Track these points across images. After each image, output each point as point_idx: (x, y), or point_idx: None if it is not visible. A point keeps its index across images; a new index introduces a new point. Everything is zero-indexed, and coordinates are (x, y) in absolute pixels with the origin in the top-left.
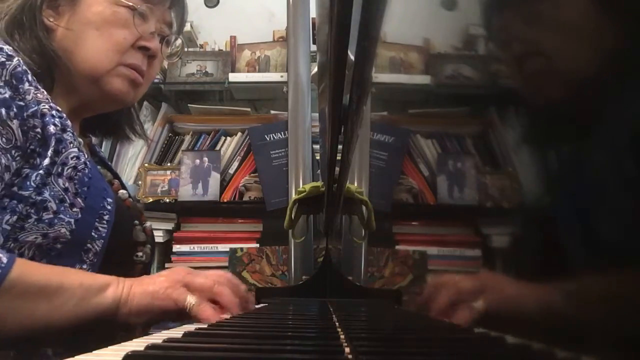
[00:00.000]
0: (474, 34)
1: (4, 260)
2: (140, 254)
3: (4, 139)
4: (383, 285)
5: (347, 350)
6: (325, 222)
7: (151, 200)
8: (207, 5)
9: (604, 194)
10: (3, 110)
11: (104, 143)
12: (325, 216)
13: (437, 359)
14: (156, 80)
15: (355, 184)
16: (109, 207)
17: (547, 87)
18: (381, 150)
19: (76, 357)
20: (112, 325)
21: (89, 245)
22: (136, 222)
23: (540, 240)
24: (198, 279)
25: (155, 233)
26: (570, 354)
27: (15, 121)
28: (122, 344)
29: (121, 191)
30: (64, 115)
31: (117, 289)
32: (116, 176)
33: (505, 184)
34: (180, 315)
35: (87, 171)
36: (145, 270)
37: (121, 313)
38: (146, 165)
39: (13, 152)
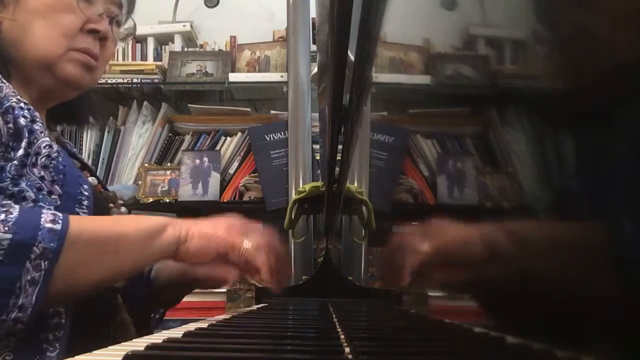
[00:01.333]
0: (474, 34)
1: (59, 214)
2: None
3: None
4: (383, 285)
5: (347, 350)
6: (325, 222)
7: (151, 200)
8: (207, 5)
9: (605, 194)
10: None
11: (103, 143)
12: (325, 216)
13: (437, 359)
14: (156, 80)
15: (355, 184)
16: (86, 193)
17: (556, 84)
18: (381, 150)
19: (76, 357)
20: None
21: None
22: (111, 205)
23: (541, 241)
24: (254, 236)
25: None
26: (570, 354)
27: None
28: (122, 344)
29: (91, 178)
30: (31, 107)
31: (175, 230)
32: (85, 166)
33: (505, 184)
34: (233, 261)
35: (60, 159)
36: None
37: (180, 252)
38: (146, 165)
39: (1, 148)
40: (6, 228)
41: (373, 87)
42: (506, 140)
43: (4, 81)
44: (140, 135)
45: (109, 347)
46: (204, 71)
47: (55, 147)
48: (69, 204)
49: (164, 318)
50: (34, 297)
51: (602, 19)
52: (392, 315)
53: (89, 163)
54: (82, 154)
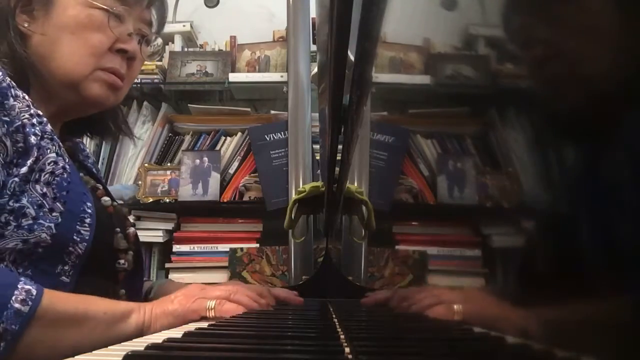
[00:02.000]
0: (474, 34)
1: (34, 292)
2: (122, 261)
3: (1, 156)
4: (383, 285)
5: (347, 350)
6: (325, 222)
7: (151, 200)
8: (207, 5)
9: (606, 195)
10: None
11: (103, 143)
12: (325, 216)
13: (437, 359)
14: (156, 80)
15: (355, 184)
16: (89, 211)
17: (558, 88)
18: (381, 150)
19: (76, 357)
20: None
21: (70, 248)
22: (117, 229)
23: (541, 242)
24: (214, 292)
25: (155, 233)
26: (570, 354)
27: (7, 138)
28: (122, 343)
29: (104, 198)
30: (44, 119)
31: (139, 315)
32: (99, 182)
33: (505, 184)
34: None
35: (65, 175)
36: (131, 276)
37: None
38: (146, 165)
39: (7, 168)
40: None
41: (373, 87)
42: (506, 140)
43: (19, 94)
44: (140, 135)
45: (109, 347)
46: (204, 71)
47: (61, 163)
48: (70, 221)
49: None
50: None
51: (603, 18)
52: (392, 315)
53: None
54: None
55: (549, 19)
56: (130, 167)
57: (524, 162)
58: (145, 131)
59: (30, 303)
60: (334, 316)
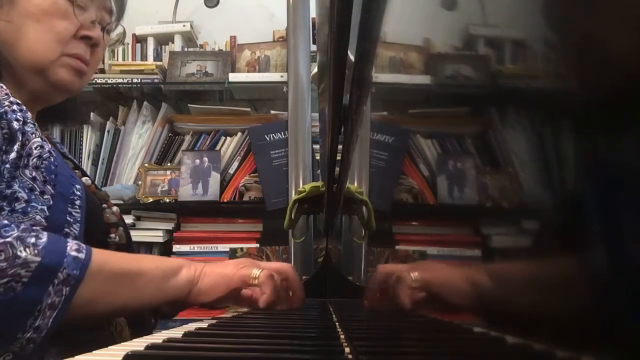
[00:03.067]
0: (474, 34)
1: (83, 250)
2: (113, 235)
3: None
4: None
5: (347, 350)
6: (325, 222)
7: (151, 200)
8: (207, 5)
9: (607, 195)
10: None
11: (103, 143)
12: (325, 216)
13: (437, 359)
14: (156, 80)
15: (355, 184)
16: (78, 193)
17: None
18: (381, 150)
19: (76, 357)
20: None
21: (66, 230)
22: (104, 205)
23: (541, 241)
24: (264, 266)
25: (155, 233)
26: (571, 354)
27: None
28: (122, 343)
29: (84, 178)
30: (24, 107)
31: (189, 270)
32: (77, 167)
33: (505, 184)
34: (244, 295)
35: (52, 159)
36: (123, 250)
37: (193, 292)
38: (146, 165)
39: None
40: (36, 251)
41: (373, 87)
42: (506, 140)
43: None
44: (140, 135)
45: (109, 347)
46: (204, 71)
47: (47, 147)
48: (62, 203)
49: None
50: (50, 321)
51: (604, 18)
52: (392, 315)
53: (89, 163)
54: (82, 154)
55: (549, 18)
56: (130, 167)
57: (524, 162)
58: (145, 131)
59: (84, 251)
60: (334, 316)
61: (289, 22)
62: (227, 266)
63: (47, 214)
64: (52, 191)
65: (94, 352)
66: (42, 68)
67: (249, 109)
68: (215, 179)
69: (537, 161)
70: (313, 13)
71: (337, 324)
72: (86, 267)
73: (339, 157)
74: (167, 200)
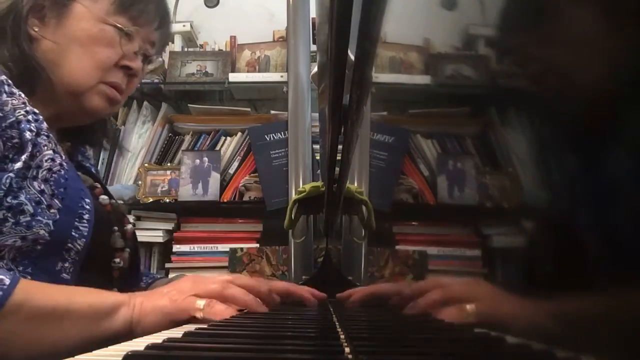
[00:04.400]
0: (474, 34)
1: (7, 281)
2: (117, 260)
3: None
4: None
5: (347, 350)
6: (325, 222)
7: (151, 200)
8: (207, 5)
9: (604, 195)
10: None
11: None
12: (325, 216)
13: (437, 359)
14: (156, 80)
15: (355, 184)
16: (87, 207)
17: (552, 90)
18: (381, 150)
19: (76, 357)
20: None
21: (69, 244)
22: (115, 227)
23: (540, 241)
24: (206, 287)
25: (155, 233)
26: (570, 354)
27: None
28: (122, 343)
29: (102, 196)
30: (40, 117)
31: (128, 310)
32: (97, 180)
33: (505, 184)
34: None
35: (62, 172)
36: (126, 274)
37: (135, 331)
38: (146, 165)
39: (2, 163)
40: None
41: (373, 87)
42: (506, 140)
43: (15, 91)
44: (140, 135)
45: (109, 347)
46: (204, 71)
47: (58, 160)
48: (69, 217)
49: None
50: None
51: (601, 20)
52: (392, 315)
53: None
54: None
55: (550, 22)
56: (130, 167)
57: (524, 162)
58: (145, 131)
59: (8, 281)
60: (333, 316)
61: (289, 22)
62: (169, 298)
63: (52, 228)
64: (60, 205)
65: (94, 352)
66: (79, 93)
67: (249, 109)
68: (215, 179)
69: (537, 161)
70: (313, 13)
71: (337, 324)
72: (6, 298)
73: (339, 157)
74: (167, 200)
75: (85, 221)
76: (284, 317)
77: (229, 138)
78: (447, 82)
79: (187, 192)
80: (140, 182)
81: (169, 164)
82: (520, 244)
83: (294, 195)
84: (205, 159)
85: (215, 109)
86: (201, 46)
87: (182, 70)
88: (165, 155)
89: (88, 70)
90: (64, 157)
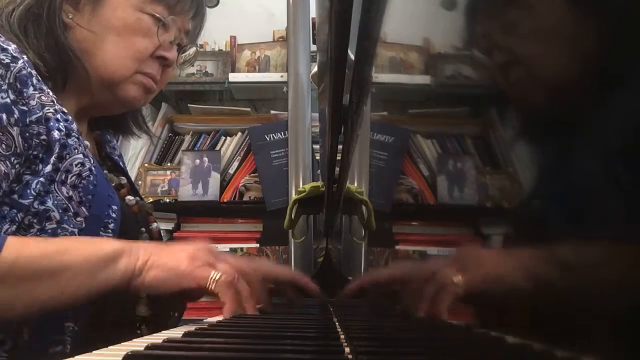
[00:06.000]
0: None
1: None
2: None
3: (3, 146)
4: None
5: (347, 350)
6: (325, 222)
7: (151, 200)
8: (207, 5)
9: (604, 194)
10: (4, 116)
11: None
12: (325, 216)
13: (437, 359)
14: None
15: (355, 184)
16: (114, 215)
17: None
18: (381, 150)
19: (76, 357)
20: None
21: None
22: (142, 229)
23: (540, 240)
24: (222, 265)
25: None
26: (570, 354)
27: (15, 127)
28: (122, 343)
29: (128, 197)
30: (70, 117)
31: (129, 260)
32: (125, 174)
33: (505, 184)
34: (199, 294)
35: (92, 178)
36: None
37: (134, 283)
38: (146, 165)
39: (12, 159)
40: None
41: (373, 87)
42: (506, 140)
43: (43, 88)
44: (140, 135)
45: (109, 347)
46: (204, 71)
47: (88, 164)
48: (94, 227)
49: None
50: None
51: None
52: (392, 315)
53: None
54: None
55: (550, 20)
56: (130, 167)
57: (524, 162)
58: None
59: None
60: (333, 316)
61: (289, 22)
62: (181, 260)
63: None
64: (86, 213)
65: (94, 352)
66: (115, 83)
67: (249, 109)
68: (215, 179)
69: (537, 161)
70: (313, 13)
71: (337, 324)
72: None
73: (339, 157)
74: (167, 200)
75: (110, 231)
76: (284, 317)
77: (229, 138)
78: (447, 82)
79: (187, 192)
80: (140, 182)
81: (169, 164)
82: (521, 244)
83: (294, 195)
84: (205, 159)
85: (215, 109)
86: (201, 46)
87: (182, 70)
88: (165, 155)
89: (124, 60)
90: (92, 161)
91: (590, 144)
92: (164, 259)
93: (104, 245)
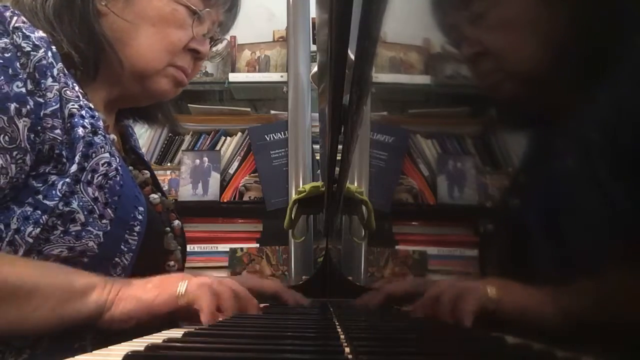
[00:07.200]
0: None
1: None
2: (172, 262)
3: (6, 137)
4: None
5: (347, 350)
6: (325, 222)
7: None
8: None
9: (603, 194)
10: (12, 106)
11: None
12: (325, 216)
13: (437, 358)
14: None
15: (355, 184)
16: (140, 217)
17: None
18: (381, 150)
19: (76, 357)
20: (95, 328)
21: (117, 259)
22: (167, 229)
23: (540, 240)
24: (196, 278)
25: None
26: (570, 354)
27: (25, 119)
28: (122, 343)
29: (152, 196)
30: (97, 114)
31: (101, 294)
32: (147, 167)
33: (505, 184)
34: (183, 314)
35: (118, 178)
36: None
37: (105, 318)
38: None
39: (15, 153)
40: None
41: (373, 87)
42: (506, 140)
43: (68, 82)
44: (140, 135)
45: (109, 347)
46: (204, 71)
47: (114, 164)
48: (120, 230)
49: None
50: None
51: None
52: (392, 315)
53: None
54: None
55: (550, 19)
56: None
57: (524, 162)
58: (145, 131)
59: None
60: (333, 316)
61: (289, 22)
62: (148, 291)
63: (102, 240)
64: (112, 215)
65: (94, 352)
66: (146, 75)
67: (249, 109)
68: (215, 179)
69: (537, 161)
70: (313, 13)
71: (337, 324)
72: None
73: (339, 157)
74: None
75: (135, 234)
76: (284, 317)
77: (229, 138)
78: (447, 82)
79: (187, 192)
80: None
81: (169, 164)
82: (520, 244)
83: (294, 195)
84: (205, 159)
85: (215, 109)
86: None
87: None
88: (165, 155)
89: (158, 52)
90: (118, 160)
91: (595, 145)
92: (133, 290)
93: (80, 277)
